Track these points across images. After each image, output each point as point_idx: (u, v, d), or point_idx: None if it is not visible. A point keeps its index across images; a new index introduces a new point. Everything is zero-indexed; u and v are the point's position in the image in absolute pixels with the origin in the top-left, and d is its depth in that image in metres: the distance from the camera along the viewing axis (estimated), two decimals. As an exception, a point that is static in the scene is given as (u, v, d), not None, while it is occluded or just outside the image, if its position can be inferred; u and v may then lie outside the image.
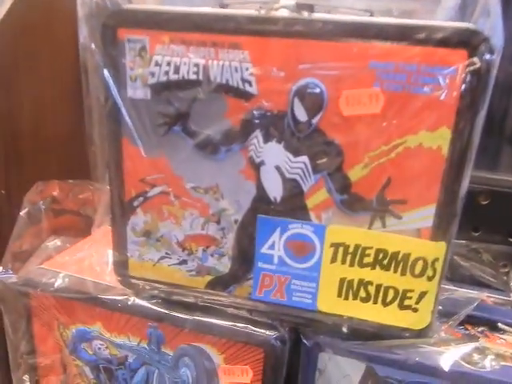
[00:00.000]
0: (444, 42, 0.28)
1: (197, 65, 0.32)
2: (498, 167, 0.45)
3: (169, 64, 0.33)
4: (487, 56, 0.27)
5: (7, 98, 0.66)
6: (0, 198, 0.67)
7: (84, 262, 0.44)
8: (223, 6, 0.35)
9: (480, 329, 0.40)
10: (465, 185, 0.31)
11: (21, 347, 0.45)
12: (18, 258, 0.46)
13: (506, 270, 0.45)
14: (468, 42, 0.27)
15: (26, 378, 0.48)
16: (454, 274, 0.46)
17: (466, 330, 0.39)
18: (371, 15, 0.33)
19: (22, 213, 0.46)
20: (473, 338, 0.38)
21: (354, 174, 0.32)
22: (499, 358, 0.36)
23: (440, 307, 0.40)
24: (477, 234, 0.46)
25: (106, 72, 0.34)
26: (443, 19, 0.42)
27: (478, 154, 0.46)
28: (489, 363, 0.34)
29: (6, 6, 0.63)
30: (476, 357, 0.35)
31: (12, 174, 0.69)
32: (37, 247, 0.47)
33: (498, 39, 0.29)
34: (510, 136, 0.44)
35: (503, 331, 0.40)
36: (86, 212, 0.51)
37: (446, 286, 0.44)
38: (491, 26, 0.29)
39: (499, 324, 0.40)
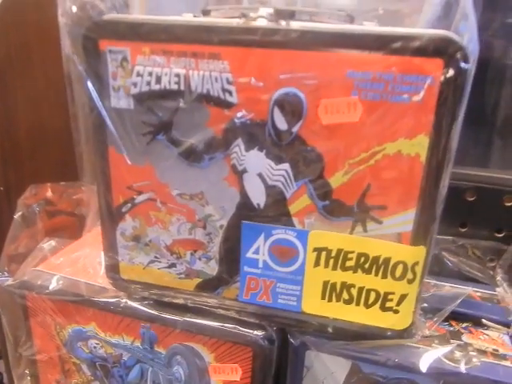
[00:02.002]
0: (420, 51, 0.28)
1: (178, 75, 0.32)
2: (485, 164, 0.45)
3: (150, 74, 0.33)
4: (463, 64, 0.27)
5: (2, 97, 0.67)
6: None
7: (78, 263, 0.45)
8: (206, 12, 0.36)
9: (464, 325, 0.41)
10: (443, 190, 0.31)
11: (19, 345, 0.47)
12: (14, 260, 0.47)
13: (493, 264, 0.46)
14: (444, 51, 0.28)
15: (26, 372, 0.50)
16: (442, 270, 0.47)
17: (451, 326, 0.40)
18: (351, 20, 0.33)
19: (17, 216, 0.47)
20: (456, 335, 0.39)
21: (335, 180, 0.32)
22: (480, 354, 0.37)
23: (425, 304, 0.41)
24: (464, 230, 0.46)
25: (89, 82, 0.34)
26: (429, 16, 0.42)
27: (465, 150, 0.46)
28: (470, 360, 0.35)
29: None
30: (458, 354, 0.36)
31: (10, 170, 0.70)
32: (32, 249, 0.48)
33: (474, 46, 0.29)
34: (496, 133, 0.44)
35: (487, 327, 0.41)
36: (80, 212, 0.52)
37: (433, 282, 0.45)
38: (468, 34, 0.29)
39: (483, 320, 0.41)
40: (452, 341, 0.37)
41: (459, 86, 0.28)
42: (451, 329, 0.40)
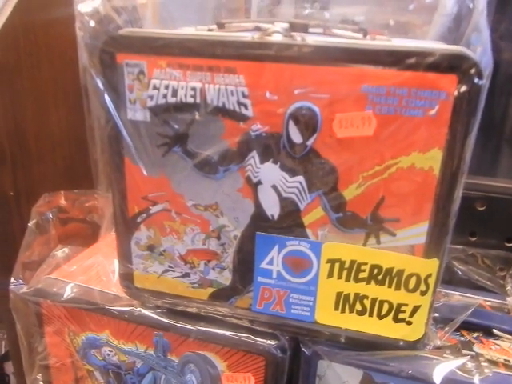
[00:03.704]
0: (434, 67, 0.28)
1: (194, 88, 0.33)
2: (495, 174, 0.45)
3: (167, 87, 0.33)
4: (476, 80, 0.28)
5: (11, 102, 0.68)
6: (9, 199, 0.69)
7: (91, 271, 0.46)
8: (221, 25, 0.36)
9: (475, 335, 0.41)
10: (456, 204, 0.31)
11: (34, 351, 0.47)
12: (28, 267, 0.47)
13: (503, 273, 0.46)
14: (458, 66, 0.28)
15: (39, 376, 0.50)
16: (452, 279, 0.47)
17: (462, 336, 0.41)
18: (365, 34, 0.34)
19: (31, 224, 0.48)
20: (468, 345, 0.39)
21: (349, 192, 0.32)
22: (492, 364, 0.37)
23: (436, 314, 0.41)
24: (474, 239, 0.47)
25: (106, 95, 0.34)
26: (440, 28, 0.42)
27: (476, 160, 0.46)
28: (482, 371, 0.36)
29: (8, 10, 0.64)
30: (470, 365, 0.36)
31: (19, 176, 0.71)
32: (46, 256, 0.48)
33: (487, 60, 0.29)
34: (506, 143, 0.44)
35: (498, 337, 0.41)
36: (92, 219, 0.53)
37: (443, 291, 0.45)
38: (482, 49, 0.29)
39: (494, 330, 0.41)
40: (464, 351, 0.38)
41: (473, 101, 0.28)
42: (462, 339, 0.40)
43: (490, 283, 0.46)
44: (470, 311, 0.40)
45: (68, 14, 0.42)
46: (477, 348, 0.39)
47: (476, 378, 0.35)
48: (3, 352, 0.98)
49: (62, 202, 0.50)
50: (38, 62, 0.69)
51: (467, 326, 0.41)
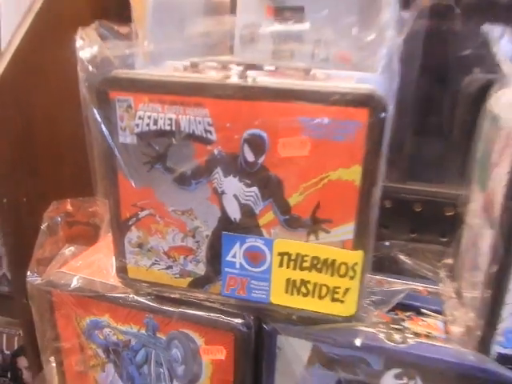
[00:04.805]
0: (351, 103, 0.37)
1: (170, 119, 0.42)
2: (429, 180, 0.54)
3: (149, 118, 0.42)
4: (381, 114, 0.36)
5: (21, 113, 0.76)
6: (22, 205, 0.78)
7: (93, 266, 0.55)
8: (194, 64, 0.45)
9: (408, 314, 0.50)
10: (375, 207, 0.40)
11: (47, 334, 0.56)
12: (41, 263, 0.57)
13: (439, 264, 0.54)
14: (368, 103, 0.37)
15: (51, 359, 0.60)
16: (397, 268, 0.56)
17: (396, 314, 0.49)
18: (308, 72, 0.42)
19: (43, 226, 0.57)
20: (399, 321, 0.48)
21: (293, 200, 0.41)
22: (416, 336, 0.45)
23: (378, 297, 0.50)
24: (414, 235, 0.55)
25: (102, 123, 0.43)
26: (382, 63, 0.51)
27: (413, 168, 0.55)
28: (405, 340, 0.44)
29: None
30: (396, 335, 0.45)
31: (30, 184, 0.80)
32: (55, 254, 0.58)
33: (392, 97, 0.38)
34: (438, 153, 0.52)
35: (427, 315, 0.49)
36: (94, 222, 0.62)
37: (387, 280, 0.54)
38: (389, 86, 0.38)
39: (422, 310, 0.49)
40: (394, 326, 0.46)
41: (380, 129, 0.37)
42: (396, 317, 0.49)
43: (429, 272, 0.55)
44: (403, 295, 0.49)
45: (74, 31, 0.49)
46: (406, 324, 0.47)
47: (400, 346, 0.44)
48: (16, 348, 1.06)
49: (69, 207, 0.59)
50: (47, 78, 0.78)
51: (402, 307, 0.50)
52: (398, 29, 0.47)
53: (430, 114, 0.51)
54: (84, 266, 0.55)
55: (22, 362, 1.03)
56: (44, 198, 0.66)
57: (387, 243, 0.55)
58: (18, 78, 0.74)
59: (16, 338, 1.03)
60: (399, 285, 0.52)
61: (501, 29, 0.38)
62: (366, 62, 0.50)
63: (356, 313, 0.43)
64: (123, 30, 0.49)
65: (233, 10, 0.75)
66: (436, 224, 0.53)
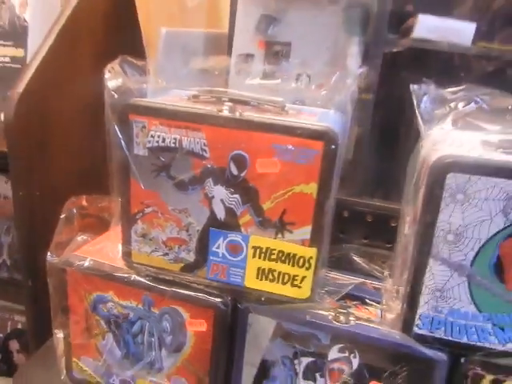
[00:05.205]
0: (309, 136, 0.50)
1: (175, 138, 0.54)
2: (379, 196, 0.66)
3: (159, 136, 0.54)
4: (332, 146, 0.49)
5: (41, 118, 0.88)
6: (35, 198, 0.90)
7: (103, 251, 0.67)
8: (195, 96, 0.58)
9: (355, 302, 0.62)
10: (328, 215, 0.52)
11: (59, 307, 0.68)
12: (59, 247, 0.68)
13: (384, 265, 0.67)
14: (322, 137, 0.49)
15: (59, 330, 0.71)
16: (351, 267, 0.68)
17: (345, 302, 0.62)
18: (283, 107, 0.55)
19: (62, 216, 0.69)
20: (345, 307, 0.60)
21: (266, 206, 0.54)
22: (358, 319, 0.58)
23: (332, 288, 0.62)
24: (366, 241, 0.68)
25: (121, 139, 0.56)
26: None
27: (367, 186, 0.68)
28: (348, 321, 0.56)
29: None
30: (341, 318, 0.57)
31: (44, 180, 0.91)
32: (71, 240, 0.69)
33: (343, 130, 0.50)
34: (387, 176, 0.65)
35: (370, 305, 0.62)
36: (103, 216, 0.74)
37: (342, 276, 0.66)
38: (341, 123, 0.51)
39: (367, 300, 0.62)
40: (341, 310, 0.58)
41: (332, 157, 0.50)
42: (344, 304, 0.61)
43: (376, 271, 0.67)
44: (350, 287, 0.62)
45: (91, 49, 0.60)
46: (352, 310, 0.60)
47: (344, 326, 0.56)
48: (9, 331, 1.14)
49: (84, 202, 0.71)
50: (64, 90, 0.90)
51: (351, 297, 0.62)
52: (355, 77, 0.60)
53: (383, 146, 0.64)
54: (94, 251, 0.67)
55: (14, 345, 1.12)
56: (54, 193, 0.77)
57: (344, 246, 0.67)
58: (40, 87, 0.86)
59: (9, 323, 1.12)
60: (351, 280, 0.65)
61: (425, 87, 0.51)
62: (332, 98, 0.62)
63: (310, 296, 0.55)
64: (140, 63, 0.61)
65: (230, 42, 0.88)
66: (383, 232, 0.66)
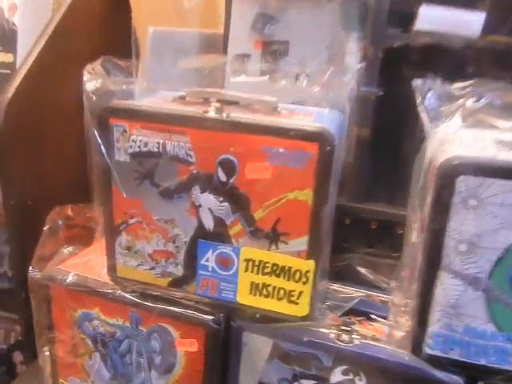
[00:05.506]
0: (304, 138, 0.45)
1: (158, 143, 0.50)
2: (385, 202, 0.61)
3: (140, 141, 0.50)
4: (328, 147, 0.44)
5: (32, 124, 0.85)
6: (28, 207, 0.86)
7: (89, 264, 0.63)
8: (182, 96, 0.53)
9: (360, 318, 0.57)
10: (325, 224, 0.48)
11: (43, 324, 0.64)
12: (42, 260, 0.64)
13: (391, 276, 0.61)
14: (317, 139, 0.45)
15: (46, 348, 0.67)
16: (356, 279, 0.63)
17: (349, 318, 0.56)
18: (276, 108, 0.51)
19: (45, 228, 0.65)
20: (349, 324, 0.55)
21: (257, 215, 0.49)
22: (363, 337, 0.53)
23: (335, 302, 0.57)
24: (371, 250, 0.63)
25: (101, 144, 0.51)
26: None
27: (372, 191, 0.63)
28: (352, 341, 0.51)
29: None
30: (345, 336, 0.52)
31: (35, 190, 0.88)
32: (55, 252, 0.65)
33: (341, 133, 0.46)
34: (394, 180, 0.60)
35: (375, 320, 0.57)
36: (90, 226, 0.70)
37: (345, 288, 0.61)
38: (338, 123, 0.46)
39: (372, 315, 0.57)
40: (344, 327, 0.53)
41: (328, 160, 0.45)
42: (348, 320, 0.56)
43: (382, 283, 0.62)
44: (355, 301, 0.56)
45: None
46: (356, 326, 0.55)
47: (347, 345, 0.51)
48: (12, 342, 1.11)
49: (69, 212, 0.67)
50: (55, 95, 0.86)
51: (355, 312, 0.57)
52: (354, 74, 0.55)
53: (387, 147, 0.59)
54: (80, 264, 0.63)
55: (17, 357, 1.09)
56: (48, 202, 0.73)
57: (347, 256, 0.62)
58: (30, 93, 0.83)
59: (13, 334, 1.08)
60: (355, 293, 0.60)
61: (429, 82, 0.46)
62: (329, 97, 0.57)
63: (309, 313, 0.51)
64: (125, 63, 0.57)
65: (225, 42, 0.83)
66: (389, 240, 0.61)
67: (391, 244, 0.61)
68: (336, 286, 0.61)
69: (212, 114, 0.48)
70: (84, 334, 0.62)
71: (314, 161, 0.45)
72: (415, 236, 0.52)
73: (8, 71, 0.88)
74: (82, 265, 0.63)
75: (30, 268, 0.62)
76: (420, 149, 0.49)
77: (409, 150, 0.55)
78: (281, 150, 0.46)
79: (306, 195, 0.47)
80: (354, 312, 0.57)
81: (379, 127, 0.59)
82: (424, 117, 0.45)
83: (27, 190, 0.85)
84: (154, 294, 0.56)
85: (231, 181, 0.49)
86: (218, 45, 0.84)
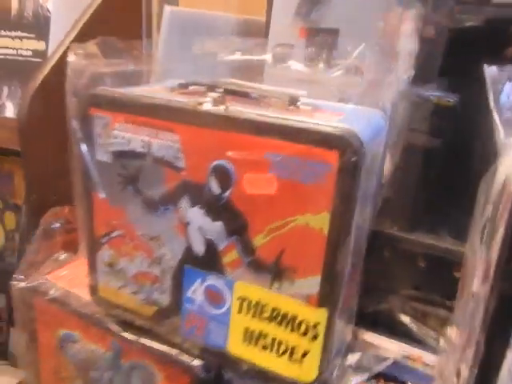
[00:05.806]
0: (321, 144, 0.33)
1: (143, 141, 0.40)
2: (439, 234, 0.47)
3: (123, 138, 0.41)
4: (353, 158, 0.32)
5: (62, 115, 0.80)
6: (50, 203, 0.81)
7: (77, 278, 0.54)
8: (183, 85, 0.43)
9: (391, 386, 0.43)
10: (344, 261, 0.35)
11: (28, 340, 0.57)
12: (33, 265, 0.57)
13: (441, 330, 0.47)
14: (338, 145, 0.32)
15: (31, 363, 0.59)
16: (394, 328, 0.49)
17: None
18: (294, 101, 0.39)
19: (38, 231, 0.58)
20: (376, 394, 0.41)
21: (257, 241, 0.37)
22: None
23: (361, 360, 0.44)
24: (417, 294, 0.48)
25: (82, 141, 0.43)
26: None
27: (422, 218, 0.49)
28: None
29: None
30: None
31: (31, 192, 0.82)
32: (48, 258, 0.58)
33: (378, 138, 0.33)
34: (454, 206, 0.45)
35: (412, 391, 0.43)
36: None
37: (376, 339, 0.47)
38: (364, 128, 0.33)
39: (409, 383, 0.43)
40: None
41: (352, 174, 0.32)
42: (374, 389, 0.42)
43: (429, 338, 0.47)
44: (388, 363, 0.43)
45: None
46: (385, 398, 0.41)
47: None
48: None
49: (67, 214, 0.59)
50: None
51: (386, 377, 0.43)
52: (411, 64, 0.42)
53: (453, 161, 0.45)
54: (68, 276, 0.55)
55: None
56: (43, 205, 0.66)
57: (385, 298, 0.49)
58: (57, 85, 0.78)
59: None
60: (390, 346, 0.46)
61: (509, 70, 0.32)
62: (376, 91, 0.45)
63: (318, 379, 0.38)
64: (123, 45, 0.48)
65: (267, 30, 0.73)
66: (441, 283, 0.46)
67: (444, 288, 0.47)
68: (367, 336, 0.47)
69: (208, 106, 0.37)
70: (66, 356, 0.54)
71: (334, 175, 0.33)
72: (476, 285, 0.38)
73: (40, 60, 0.84)
74: (70, 277, 0.55)
75: (14, 276, 0.55)
76: (489, 166, 0.35)
77: (478, 168, 0.41)
78: (289, 158, 0.34)
79: (321, 221, 0.34)
80: (384, 377, 0.44)
81: (438, 135, 0.45)
82: (497, 120, 0.30)
83: (52, 184, 0.81)
84: (136, 324, 0.47)
85: (226, 194, 0.37)
86: (259, 33, 0.74)
